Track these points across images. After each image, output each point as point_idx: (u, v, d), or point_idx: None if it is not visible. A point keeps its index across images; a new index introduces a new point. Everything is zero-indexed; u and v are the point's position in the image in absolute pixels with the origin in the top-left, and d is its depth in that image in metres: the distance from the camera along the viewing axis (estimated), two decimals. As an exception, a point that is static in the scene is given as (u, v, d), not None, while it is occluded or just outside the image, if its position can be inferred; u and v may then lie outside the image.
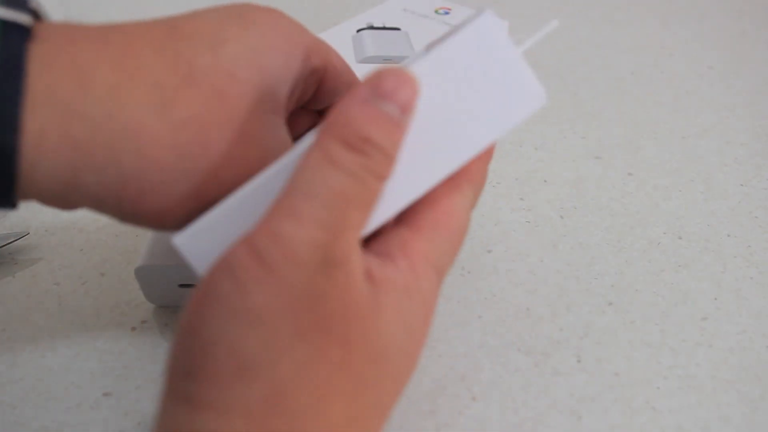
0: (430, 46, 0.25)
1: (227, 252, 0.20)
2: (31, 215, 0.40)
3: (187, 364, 0.19)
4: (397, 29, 0.47)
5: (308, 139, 0.22)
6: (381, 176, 0.21)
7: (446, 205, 0.23)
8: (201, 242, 0.22)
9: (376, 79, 0.21)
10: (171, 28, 0.23)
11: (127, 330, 0.33)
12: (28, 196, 0.21)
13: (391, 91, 0.21)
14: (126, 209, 0.22)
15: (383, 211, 0.23)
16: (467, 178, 0.24)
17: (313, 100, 0.29)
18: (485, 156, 0.24)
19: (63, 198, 0.22)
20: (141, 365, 0.32)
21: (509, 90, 0.23)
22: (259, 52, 0.23)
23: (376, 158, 0.20)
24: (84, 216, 0.40)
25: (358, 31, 0.46)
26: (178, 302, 0.34)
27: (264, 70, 0.23)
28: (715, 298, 0.33)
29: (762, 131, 0.44)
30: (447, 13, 0.49)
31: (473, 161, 0.24)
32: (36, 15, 0.21)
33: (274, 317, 0.19)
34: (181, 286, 0.33)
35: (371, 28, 0.47)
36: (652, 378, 0.30)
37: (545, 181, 0.41)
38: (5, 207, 0.21)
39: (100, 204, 0.22)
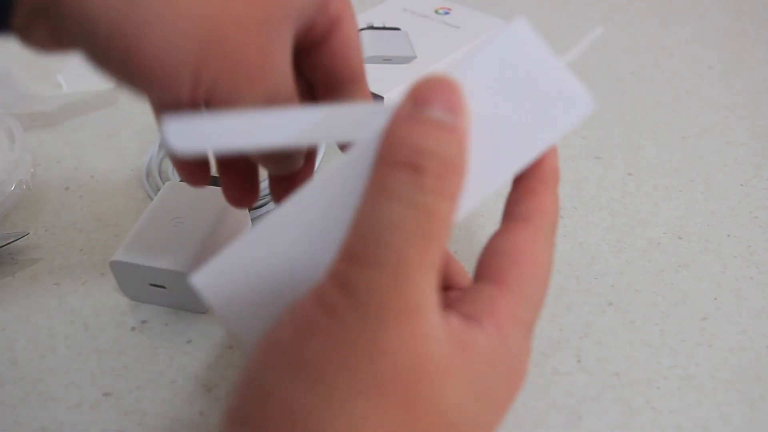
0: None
1: (297, 302, 0.19)
2: (31, 215, 0.40)
3: (243, 411, 0.19)
4: (397, 29, 0.47)
5: (325, 175, 0.20)
6: (444, 193, 0.19)
7: (531, 253, 0.21)
8: (220, 280, 0.21)
9: (411, 91, 0.19)
10: None
11: (127, 330, 0.33)
12: (25, 18, 0.20)
13: (431, 95, 0.19)
14: (121, 49, 0.19)
15: None
16: (544, 215, 0.22)
17: (311, 61, 0.26)
18: (553, 185, 0.23)
19: (69, 19, 0.19)
20: (141, 365, 0.32)
21: (553, 97, 0.22)
22: None
23: (434, 170, 0.18)
24: (84, 216, 0.40)
25: (359, 30, 0.47)
26: (150, 300, 0.34)
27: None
28: (715, 298, 0.33)
29: (762, 131, 0.44)
30: (447, 13, 0.49)
31: (544, 195, 0.22)
32: None
33: (333, 370, 0.17)
34: (152, 285, 0.33)
35: (371, 28, 0.47)
36: (652, 378, 0.30)
37: (545, 181, 0.41)
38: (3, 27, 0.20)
39: (95, 36, 0.19)
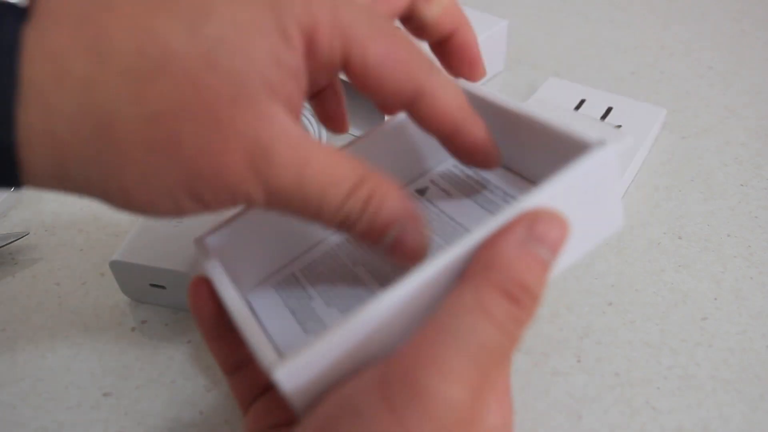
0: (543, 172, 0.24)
1: (352, 389, 0.19)
2: (31, 215, 0.40)
3: None
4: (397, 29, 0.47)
5: (425, 273, 0.20)
6: (526, 325, 0.20)
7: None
8: (305, 375, 0.20)
9: (532, 220, 0.20)
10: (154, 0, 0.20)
11: (127, 330, 0.33)
12: (31, 183, 0.20)
13: (547, 233, 0.20)
14: (116, 203, 0.21)
15: None
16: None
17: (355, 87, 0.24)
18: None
19: (59, 188, 0.21)
20: (141, 365, 0.32)
21: (603, 213, 0.23)
22: (245, 32, 0.20)
23: (528, 307, 0.20)
24: (84, 216, 0.40)
25: None
26: (150, 299, 0.34)
27: (250, 54, 0.20)
28: (715, 298, 0.33)
29: (762, 131, 0.44)
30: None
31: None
32: None
33: None
34: (152, 285, 0.33)
35: None
36: (652, 378, 0.30)
37: (545, 181, 0.41)
38: (16, 187, 0.20)
39: (92, 196, 0.21)
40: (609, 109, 0.44)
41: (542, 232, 0.20)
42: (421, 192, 0.29)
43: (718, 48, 0.53)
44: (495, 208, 0.27)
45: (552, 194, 0.21)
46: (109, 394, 0.31)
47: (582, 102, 0.45)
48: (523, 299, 0.19)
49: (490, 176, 0.28)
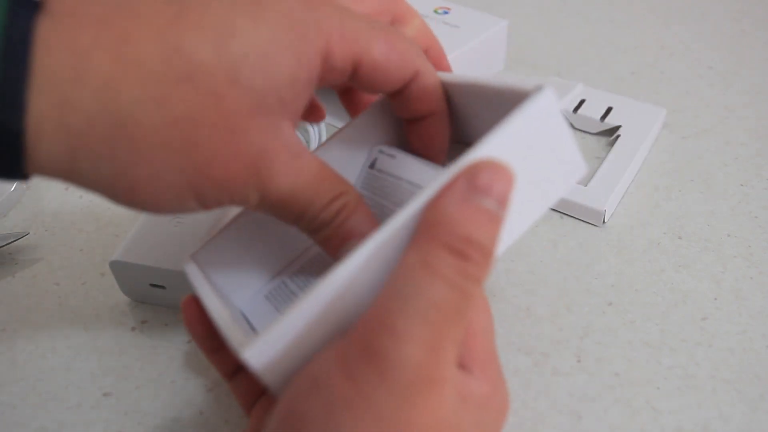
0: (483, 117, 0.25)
1: (315, 365, 0.19)
2: (31, 215, 0.40)
3: None
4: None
5: (377, 239, 0.20)
6: (480, 280, 0.20)
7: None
8: (273, 354, 0.20)
9: (472, 172, 0.20)
10: (178, 12, 0.21)
11: (127, 330, 0.33)
12: (36, 172, 0.21)
13: (489, 184, 0.20)
14: (120, 198, 0.22)
15: None
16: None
17: (358, 86, 0.26)
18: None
19: (65, 179, 0.21)
20: (141, 365, 0.32)
21: (560, 161, 0.23)
22: (267, 53, 0.21)
23: (477, 260, 0.19)
24: (84, 216, 0.40)
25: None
26: (150, 299, 0.34)
27: (270, 73, 0.21)
28: (715, 298, 0.33)
29: (762, 131, 0.44)
30: (446, 12, 0.49)
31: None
32: None
33: None
34: (152, 285, 0.33)
35: None
36: (652, 378, 0.30)
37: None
38: (18, 179, 0.21)
39: (96, 190, 0.22)
40: (609, 109, 0.44)
41: (484, 182, 0.20)
42: (371, 165, 0.29)
43: (718, 48, 0.53)
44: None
45: (494, 146, 0.21)
46: (109, 394, 0.31)
47: (582, 102, 0.45)
48: (471, 253, 0.19)
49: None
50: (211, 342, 0.26)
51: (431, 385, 0.19)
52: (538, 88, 0.21)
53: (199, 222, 0.34)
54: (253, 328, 0.27)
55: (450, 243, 0.19)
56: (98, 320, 0.34)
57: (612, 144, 0.42)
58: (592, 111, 0.44)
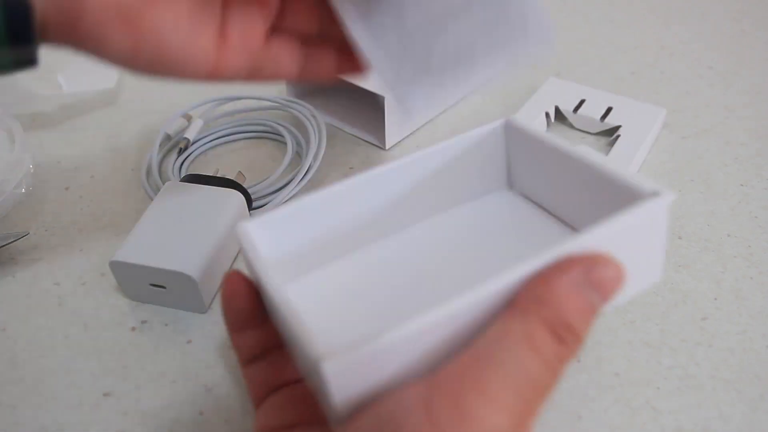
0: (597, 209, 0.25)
1: (394, 402, 0.19)
2: (31, 215, 0.40)
3: None
4: None
5: (476, 293, 0.20)
6: (568, 363, 0.21)
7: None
8: (351, 373, 0.20)
9: (590, 264, 0.20)
10: None
11: (127, 330, 0.33)
12: (45, 37, 0.25)
13: (603, 282, 0.21)
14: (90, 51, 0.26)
15: None
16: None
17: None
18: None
19: (65, 38, 0.25)
20: (141, 365, 0.32)
21: (646, 263, 0.24)
22: None
23: (571, 346, 0.20)
24: (84, 216, 0.40)
25: None
26: (150, 300, 0.34)
27: None
28: (715, 298, 0.33)
29: (762, 131, 0.44)
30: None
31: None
32: None
33: None
34: (152, 285, 0.33)
35: None
36: (652, 378, 0.30)
37: (545, 181, 0.41)
38: (28, 60, 0.25)
39: (90, 47, 0.26)
40: (609, 109, 0.44)
41: (599, 278, 0.20)
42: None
43: (718, 48, 0.53)
44: None
45: (608, 239, 0.21)
46: (109, 394, 0.31)
47: (582, 102, 0.45)
48: (568, 339, 0.20)
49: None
50: (244, 321, 0.25)
51: None
52: (657, 193, 0.22)
53: (199, 222, 0.34)
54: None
55: (553, 325, 0.20)
56: (98, 320, 0.34)
57: (612, 144, 0.42)
58: (592, 111, 0.44)
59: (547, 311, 0.20)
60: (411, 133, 0.46)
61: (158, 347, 0.32)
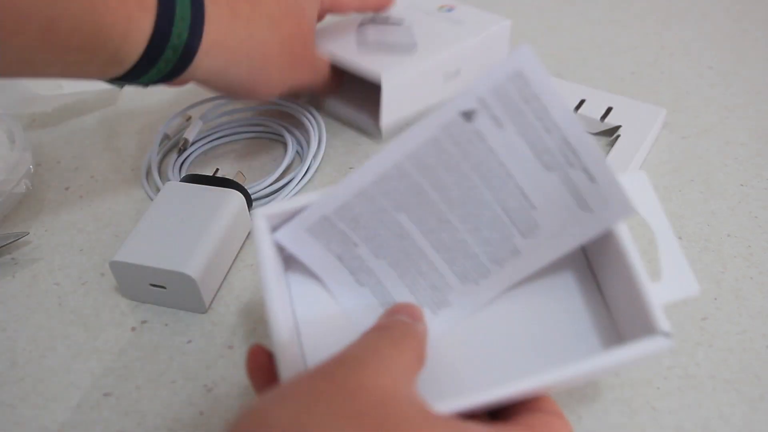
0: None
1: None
2: (31, 215, 0.40)
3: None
4: (401, 22, 0.47)
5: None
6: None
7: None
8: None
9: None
10: None
11: (127, 330, 0.33)
12: (190, 78, 0.35)
13: None
14: (242, 93, 0.38)
15: None
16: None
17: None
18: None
19: (205, 82, 0.36)
20: (141, 365, 0.32)
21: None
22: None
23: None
24: (84, 216, 0.40)
25: (361, 23, 0.47)
26: (150, 300, 0.34)
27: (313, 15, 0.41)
28: (715, 298, 0.33)
29: (762, 131, 0.44)
30: (450, 10, 0.49)
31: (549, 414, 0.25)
32: None
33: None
34: (152, 285, 0.33)
35: (373, 21, 0.47)
36: (652, 378, 0.30)
37: (545, 181, 0.41)
38: (168, 80, 0.35)
39: (228, 89, 0.37)
40: (609, 109, 0.44)
41: None
42: (468, 117, 0.26)
43: (718, 48, 0.53)
44: (551, 160, 0.25)
45: (599, 369, 0.24)
46: (109, 394, 0.31)
47: (582, 102, 0.45)
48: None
49: (556, 115, 0.25)
50: (268, 384, 0.26)
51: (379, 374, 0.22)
52: (667, 336, 0.24)
53: (199, 222, 0.34)
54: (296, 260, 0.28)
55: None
56: (98, 320, 0.34)
57: (612, 144, 0.42)
58: (592, 111, 0.44)
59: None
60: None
61: (158, 347, 0.32)
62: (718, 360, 0.31)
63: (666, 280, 0.26)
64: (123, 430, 0.29)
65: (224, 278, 0.35)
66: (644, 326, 0.25)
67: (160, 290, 0.33)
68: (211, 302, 0.34)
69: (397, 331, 0.24)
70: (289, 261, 0.29)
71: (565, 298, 0.28)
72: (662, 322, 0.24)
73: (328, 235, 0.28)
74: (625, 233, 0.26)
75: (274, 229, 0.28)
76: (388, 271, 0.28)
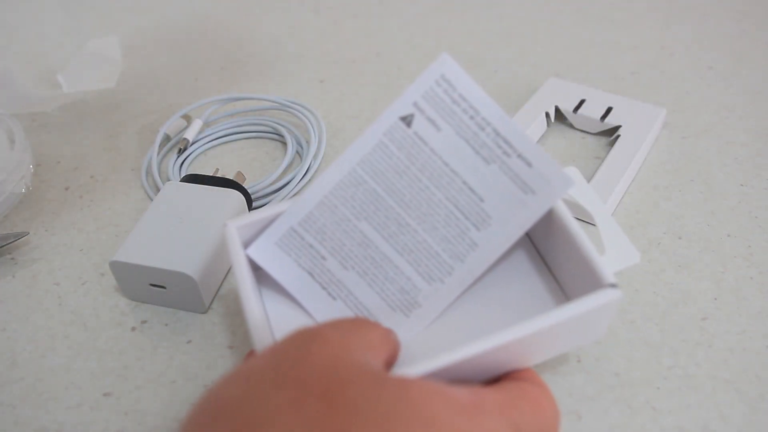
0: None
1: None
2: (31, 215, 0.40)
3: (198, 412, 0.21)
4: None
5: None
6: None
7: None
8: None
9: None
10: None
11: (127, 330, 0.33)
12: None
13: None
14: None
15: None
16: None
17: None
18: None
19: None
20: (141, 365, 0.32)
21: (590, 332, 0.28)
22: None
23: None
24: (84, 216, 0.40)
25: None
26: (150, 300, 0.34)
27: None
28: (715, 298, 0.33)
29: (762, 131, 0.44)
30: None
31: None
32: None
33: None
34: (152, 285, 0.33)
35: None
36: (652, 378, 0.30)
37: (545, 181, 0.41)
38: None
39: None
40: (609, 109, 0.44)
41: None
42: (407, 121, 0.28)
43: (718, 48, 0.53)
44: (489, 154, 0.28)
45: (558, 322, 0.25)
46: (109, 394, 0.31)
47: (582, 102, 0.45)
48: None
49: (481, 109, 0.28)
50: None
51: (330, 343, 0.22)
52: (614, 287, 0.25)
53: (199, 222, 0.34)
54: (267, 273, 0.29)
55: None
56: (98, 320, 0.34)
57: (612, 144, 0.42)
58: (592, 111, 0.44)
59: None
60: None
61: (158, 347, 0.32)
62: (718, 360, 0.31)
63: (609, 252, 0.28)
64: (123, 430, 0.29)
65: (224, 278, 0.35)
66: (593, 284, 0.26)
67: (160, 290, 0.33)
68: (211, 302, 0.34)
69: (359, 319, 0.25)
70: (261, 277, 0.30)
71: (520, 279, 0.30)
72: (608, 276, 0.25)
73: (297, 249, 0.29)
74: (563, 207, 0.28)
75: (247, 241, 0.29)
76: (357, 280, 0.29)
